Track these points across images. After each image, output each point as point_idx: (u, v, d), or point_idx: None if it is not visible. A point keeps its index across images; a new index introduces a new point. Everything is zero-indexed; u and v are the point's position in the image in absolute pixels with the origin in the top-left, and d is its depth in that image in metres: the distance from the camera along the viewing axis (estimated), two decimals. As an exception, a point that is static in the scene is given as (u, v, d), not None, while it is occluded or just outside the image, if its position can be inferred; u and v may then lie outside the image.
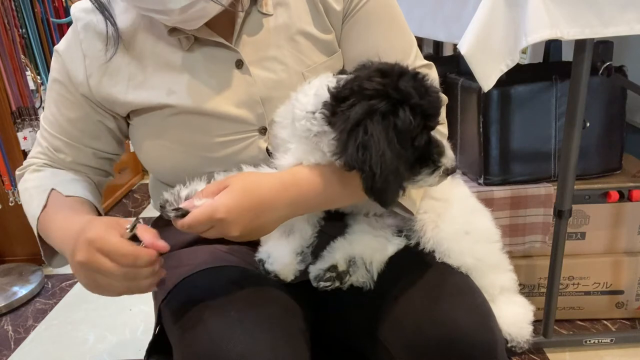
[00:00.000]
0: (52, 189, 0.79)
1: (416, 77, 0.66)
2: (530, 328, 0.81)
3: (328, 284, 0.75)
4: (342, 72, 0.73)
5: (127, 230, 0.64)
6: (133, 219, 0.65)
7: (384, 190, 0.63)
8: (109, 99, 0.80)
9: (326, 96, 0.67)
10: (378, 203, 0.66)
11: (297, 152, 0.71)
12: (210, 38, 0.77)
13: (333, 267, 0.76)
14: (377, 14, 0.81)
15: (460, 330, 0.67)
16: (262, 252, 0.77)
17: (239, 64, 0.78)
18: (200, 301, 0.72)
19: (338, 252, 0.77)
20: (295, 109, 0.71)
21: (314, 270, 0.77)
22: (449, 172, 0.70)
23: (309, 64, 0.80)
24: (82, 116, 0.82)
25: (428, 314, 0.69)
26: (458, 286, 0.74)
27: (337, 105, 0.65)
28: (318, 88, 0.69)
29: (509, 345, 0.78)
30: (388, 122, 0.62)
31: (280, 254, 0.76)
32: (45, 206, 0.78)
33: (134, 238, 0.64)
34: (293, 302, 0.75)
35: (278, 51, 0.79)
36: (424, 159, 0.68)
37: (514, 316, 0.80)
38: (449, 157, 0.70)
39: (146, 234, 0.64)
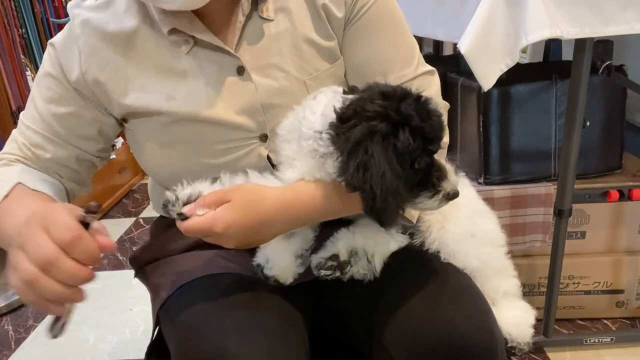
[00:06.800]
0: (19, 183, 0.73)
1: (419, 100, 0.66)
2: (531, 331, 0.80)
3: (329, 272, 0.75)
4: (353, 89, 0.72)
5: (83, 213, 0.57)
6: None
7: (383, 210, 0.63)
8: (106, 98, 0.80)
9: (333, 116, 0.67)
10: (377, 223, 0.66)
11: (302, 168, 0.71)
12: (210, 41, 0.76)
13: (335, 256, 0.75)
14: (379, 21, 0.80)
15: (460, 332, 0.67)
16: (260, 257, 0.76)
17: (240, 70, 0.77)
18: (198, 309, 0.71)
19: (340, 242, 0.77)
20: (302, 127, 0.70)
21: (316, 259, 0.77)
22: (450, 197, 0.69)
23: (311, 71, 0.79)
24: (72, 112, 0.79)
25: (428, 315, 0.69)
26: (459, 287, 0.74)
27: (341, 126, 0.65)
28: (325, 107, 0.69)
29: (508, 345, 0.78)
30: (388, 142, 0.62)
31: (279, 258, 0.75)
32: (6, 196, 0.70)
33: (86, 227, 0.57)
34: (291, 307, 0.75)
35: (280, 58, 0.78)
36: (424, 182, 0.68)
37: (515, 318, 0.80)
38: (450, 182, 0.69)
39: (100, 226, 0.58)
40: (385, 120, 0.63)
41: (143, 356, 0.84)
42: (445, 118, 0.82)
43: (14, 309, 1.97)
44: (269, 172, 0.75)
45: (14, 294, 2.01)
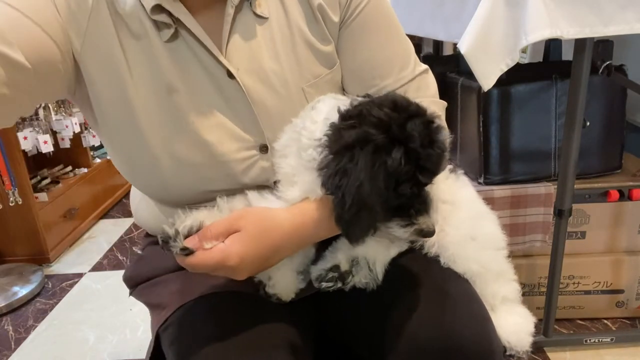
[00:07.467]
0: None
1: (428, 124, 0.61)
2: (530, 339, 0.79)
3: (330, 284, 0.73)
4: (367, 97, 0.68)
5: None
6: None
7: (352, 223, 0.61)
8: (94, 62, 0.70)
9: (336, 119, 0.63)
10: (344, 236, 0.64)
11: (304, 185, 0.67)
12: (197, 34, 0.69)
13: (335, 267, 0.73)
14: (374, 21, 0.78)
15: (458, 340, 0.66)
16: (262, 274, 0.74)
17: (231, 74, 0.72)
18: (198, 333, 0.69)
19: (340, 252, 0.74)
20: (302, 138, 0.67)
21: (316, 271, 0.74)
22: (422, 234, 0.65)
23: (310, 78, 0.76)
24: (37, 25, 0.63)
25: (425, 323, 0.68)
26: (457, 294, 0.72)
27: (341, 123, 0.62)
28: (329, 112, 0.66)
29: (507, 353, 0.76)
30: (379, 156, 0.58)
31: (281, 275, 0.73)
32: None
33: None
34: (295, 326, 0.73)
35: (276, 63, 0.74)
36: (402, 209, 0.63)
37: (514, 326, 0.78)
38: (429, 220, 0.64)
39: None
40: (385, 133, 0.59)
41: (143, 356, 0.84)
42: (442, 116, 0.82)
43: (14, 309, 1.97)
44: (268, 192, 0.72)
45: (14, 294, 2.01)
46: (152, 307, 0.83)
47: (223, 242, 0.62)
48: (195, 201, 0.76)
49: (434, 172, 0.62)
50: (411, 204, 0.63)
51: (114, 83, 0.70)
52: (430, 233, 0.65)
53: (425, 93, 0.82)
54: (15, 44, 0.58)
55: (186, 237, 0.61)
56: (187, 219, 0.63)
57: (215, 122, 0.73)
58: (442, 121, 0.64)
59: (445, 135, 0.62)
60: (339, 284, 0.73)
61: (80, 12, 0.67)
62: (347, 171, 0.59)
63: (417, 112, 0.61)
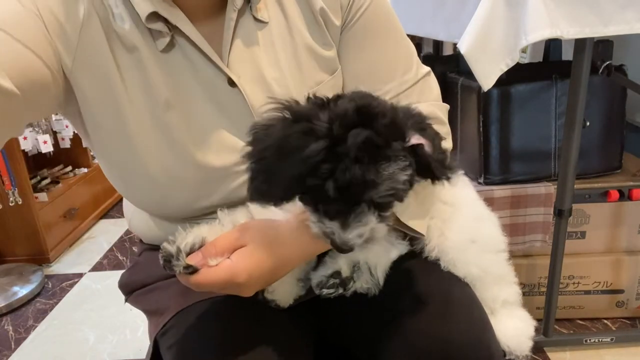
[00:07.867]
0: None
1: (375, 146, 0.53)
2: (530, 342, 0.78)
3: (331, 290, 0.71)
4: None
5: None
6: None
7: (250, 178, 0.57)
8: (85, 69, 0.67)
9: None
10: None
11: None
12: (193, 38, 0.67)
13: (336, 274, 0.71)
14: (376, 25, 0.77)
15: (455, 346, 0.65)
16: None
17: (232, 82, 0.70)
18: (196, 338, 0.68)
19: (341, 258, 0.72)
20: None
21: (316, 277, 0.72)
22: (331, 240, 0.58)
23: (311, 84, 0.74)
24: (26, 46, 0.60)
25: (426, 328, 0.67)
26: (458, 299, 0.71)
27: (318, 97, 0.60)
28: None
29: (507, 357, 0.76)
30: (304, 138, 0.54)
31: (280, 282, 0.71)
32: None
33: None
34: (295, 330, 0.72)
35: (277, 70, 0.72)
36: (315, 201, 0.58)
37: (514, 330, 0.77)
38: (339, 231, 0.57)
39: None
40: (329, 124, 0.54)
41: (143, 356, 0.84)
42: (445, 119, 0.81)
43: (14, 309, 1.97)
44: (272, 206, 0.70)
45: (14, 294, 2.01)
46: (150, 313, 0.82)
47: (228, 257, 0.60)
48: (193, 215, 0.75)
49: (341, 186, 0.53)
50: (325, 201, 0.57)
51: (108, 98, 0.68)
52: (339, 247, 0.58)
53: (429, 96, 0.81)
54: (2, 70, 0.55)
55: (188, 254, 0.59)
56: (188, 235, 0.61)
57: (213, 135, 0.71)
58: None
59: (394, 172, 0.54)
60: (340, 290, 0.71)
61: (71, 27, 0.65)
62: (268, 131, 0.56)
63: (375, 127, 0.54)
